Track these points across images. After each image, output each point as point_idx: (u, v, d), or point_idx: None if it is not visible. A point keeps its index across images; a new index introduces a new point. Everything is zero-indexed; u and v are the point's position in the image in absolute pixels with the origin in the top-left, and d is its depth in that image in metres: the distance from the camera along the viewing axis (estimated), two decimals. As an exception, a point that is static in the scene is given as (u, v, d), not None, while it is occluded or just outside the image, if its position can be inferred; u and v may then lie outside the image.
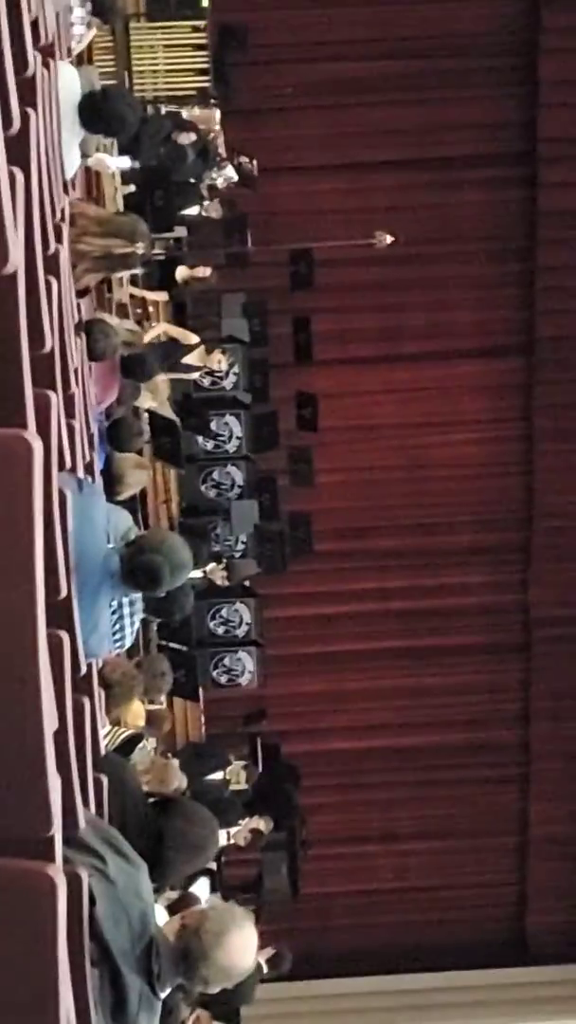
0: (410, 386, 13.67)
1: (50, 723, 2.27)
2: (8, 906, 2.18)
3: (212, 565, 11.01)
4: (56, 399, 3.31)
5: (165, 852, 3.84)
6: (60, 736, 3.03)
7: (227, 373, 11.90)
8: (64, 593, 3.32)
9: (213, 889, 9.29)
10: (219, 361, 11.17)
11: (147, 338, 9.61)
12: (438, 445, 13.72)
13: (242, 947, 3.43)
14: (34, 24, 4.02)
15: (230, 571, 11.16)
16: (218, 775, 10.98)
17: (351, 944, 14.02)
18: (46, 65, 4.45)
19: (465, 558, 13.88)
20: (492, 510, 13.88)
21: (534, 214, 13.44)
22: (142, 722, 7.60)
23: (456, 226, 13.46)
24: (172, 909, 4.69)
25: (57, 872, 2.18)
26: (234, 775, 11.16)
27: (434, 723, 13.98)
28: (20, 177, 2.64)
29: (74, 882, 2.78)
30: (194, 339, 10.73)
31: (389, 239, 12.28)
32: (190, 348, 10.77)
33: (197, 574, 10.61)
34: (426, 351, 13.65)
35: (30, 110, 3.22)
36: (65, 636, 3.25)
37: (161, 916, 3.80)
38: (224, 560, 11.24)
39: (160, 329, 10.19)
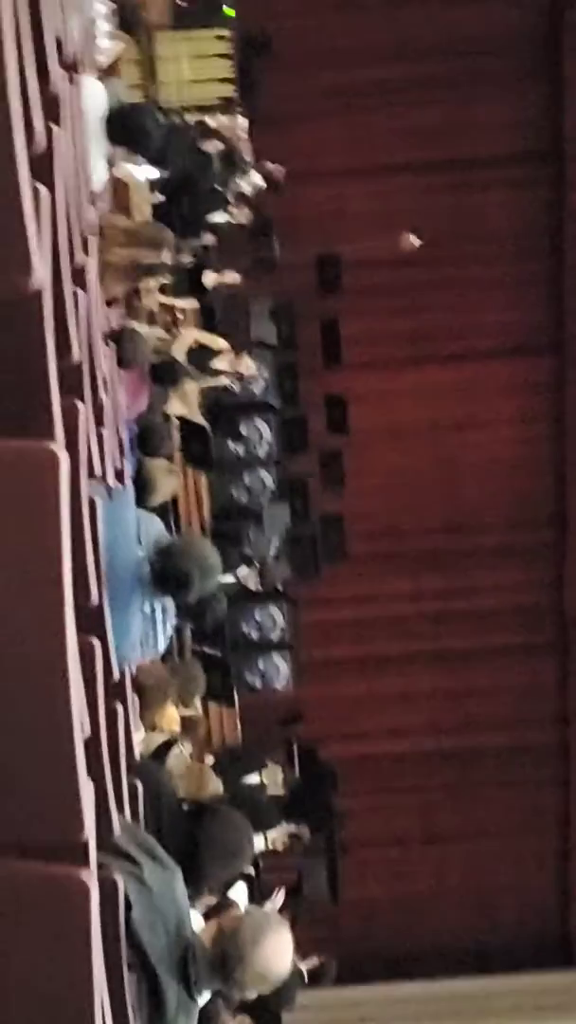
0: (440, 387, 13.66)
1: (82, 729, 2.30)
2: (43, 911, 2.20)
3: (245, 570, 11.04)
4: (84, 408, 3.34)
5: (201, 858, 3.87)
6: (94, 742, 3.07)
7: (256, 377, 11.94)
8: (96, 600, 3.35)
9: (252, 895, 9.29)
10: (248, 366, 11.21)
11: (177, 347, 9.65)
12: (469, 446, 13.71)
13: (278, 951, 3.45)
14: (58, 40, 4.05)
15: (263, 575, 11.18)
16: (255, 778, 10.99)
17: (392, 949, 14.00)
18: (71, 80, 4.48)
19: (499, 558, 13.86)
20: (525, 510, 13.85)
21: (562, 212, 13.42)
22: (177, 727, 7.63)
23: (483, 226, 13.45)
24: (209, 915, 4.71)
25: (91, 877, 2.20)
26: (271, 778, 11.17)
27: (471, 725, 13.95)
28: (45, 194, 2.67)
29: (110, 887, 2.81)
30: (223, 344, 10.78)
31: (416, 241, 12.30)
32: (219, 353, 10.81)
33: (230, 579, 10.65)
34: (455, 352, 13.65)
35: (55, 126, 3.25)
36: (97, 643, 3.28)
37: (197, 921, 3.82)
38: (257, 564, 11.26)
39: (190, 337, 10.23)
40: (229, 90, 12.19)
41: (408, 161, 13.33)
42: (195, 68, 12.02)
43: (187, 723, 8.25)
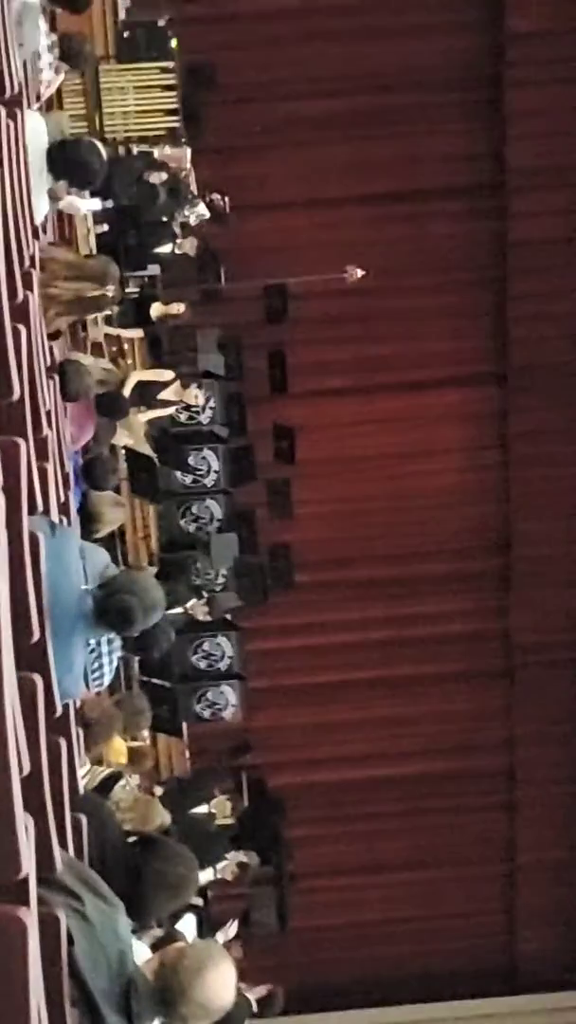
0: (386, 416, 13.75)
1: (19, 765, 2.31)
2: (-19, 949, 2.21)
3: (193, 601, 11.05)
4: (25, 445, 3.37)
5: (144, 891, 3.87)
6: (34, 777, 3.07)
7: (204, 408, 11.98)
8: (37, 636, 3.36)
9: (200, 925, 9.28)
10: (195, 396, 11.26)
11: (125, 389, 9.66)
12: (416, 474, 13.79)
13: (221, 984, 3.45)
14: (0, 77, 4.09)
15: (211, 606, 11.20)
16: (203, 808, 10.99)
17: (341, 977, 13.98)
18: (12, 117, 4.52)
19: (445, 586, 13.93)
20: (471, 538, 13.94)
21: (505, 244, 13.56)
22: (124, 759, 7.63)
23: (429, 257, 13.56)
24: (156, 947, 4.70)
25: (28, 915, 2.22)
26: (219, 808, 11.18)
27: (419, 752, 14.00)
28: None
29: (51, 923, 2.81)
30: (169, 376, 10.82)
31: (360, 273, 12.40)
32: (166, 385, 10.85)
33: (178, 610, 10.65)
34: (402, 381, 13.74)
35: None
36: (39, 679, 3.29)
37: (143, 953, 3.83)
38: (205, 596, 11.27)
39: (135, 377, 10.25)
40: (174, 121, 12.24)
41: (354, 193, 13.42)
42: (140, 99, 12.07)
43: (135, 755, 8.25)
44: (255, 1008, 9.98)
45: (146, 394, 10.59)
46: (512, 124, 13.34)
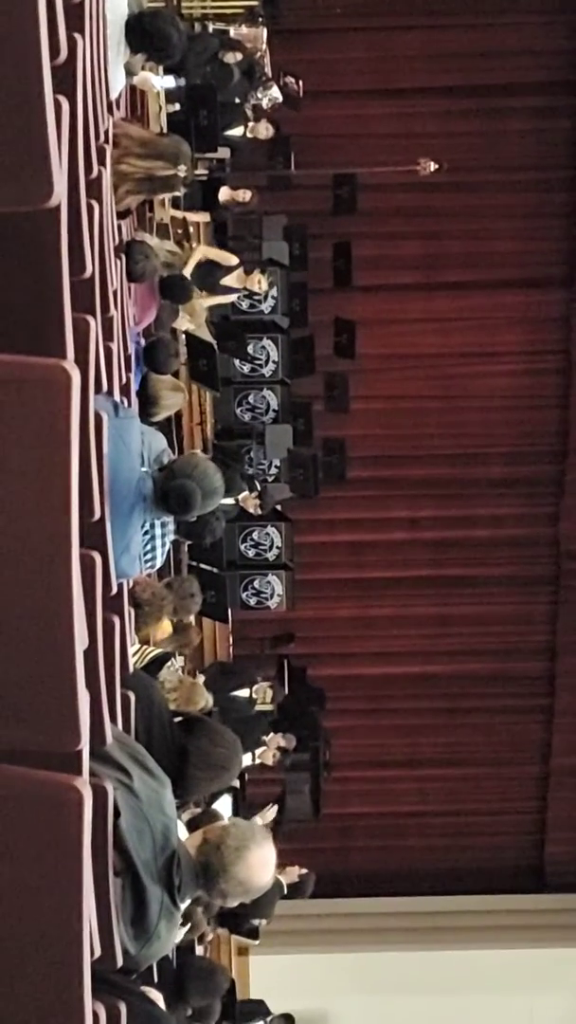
0: (449, 315, 13.61)
1: (81, 640, 2.35)
2: (36, 816, 2.27)
3: (245, 493, 11.07)
4: (95, 324, 3.36)
5: (189, 770, 3.94)
6: (90, 653, 3.13)
7: (266, 296, 11.88)
8: (98, 515, 3.38)
9: (236, 807, 9.45)
10: (259, 283, 11.15)
11: (188, 266, 9.59)
12: (475, 375, 13.69)
13: (261, 863, 3.54)
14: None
15: (263, 499, 11.22)
16: (244, 692, 11.12)
17: (370, 865, 14.24)
18: (94, -14, 4.44)
19: (497, 490, 13.90)
20: (526, 442, 13.86)
21: (581, 144, 13.30)
22: (170, 640, 7.70)
23: (501, 154, 13.32)
24: (193, 824, 4.80)
25: (84, 784, 2.26)
26: (260, 693, 11.30)
27: (460, 652, 14.08)
28: (66, 106, 2.67)
29: (100, 794, 2.87)
30: (234, 261, 10.72)
31: (433, 166, 12.20)
32: (230, 270, 10.76)
33: (230, 501, 10.69)
34: (466, 280, 13.57)
35: (77, 36, 3.23)
36: (98, 557, 3.33)
37: (183, 831, 3.91)
38: (257, 489, 11.29)
39: (200, 253, 10.16)
40: (251, 0, 12.00)
41: (431, 84, 13.17)
42: (219, -23, 11.85)
43: (180, 629, 8.28)
44: (286, 891, 10.23)
45: (209, 279, 10.50)
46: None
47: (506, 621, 14.07)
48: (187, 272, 9.43)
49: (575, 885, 14.27)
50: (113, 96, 5.92)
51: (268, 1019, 11.48)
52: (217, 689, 10.22)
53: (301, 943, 13.17)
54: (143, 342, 7.57)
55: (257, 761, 10.93)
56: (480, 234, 13.43)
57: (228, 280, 10.87)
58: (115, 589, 3.86)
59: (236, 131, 11.38)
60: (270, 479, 12.20)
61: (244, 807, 10.30)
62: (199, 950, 8.34)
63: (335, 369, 12.88)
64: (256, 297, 11.67)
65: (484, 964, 13.44)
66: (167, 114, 10.06)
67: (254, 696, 11.08)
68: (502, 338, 13.67)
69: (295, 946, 13.01)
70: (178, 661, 7.87)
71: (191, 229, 10.95)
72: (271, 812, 9.94)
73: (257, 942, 11.20)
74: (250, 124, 11.48)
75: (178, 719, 4.17)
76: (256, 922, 10.55)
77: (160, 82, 9.47)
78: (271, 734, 11.08)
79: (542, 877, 14.53)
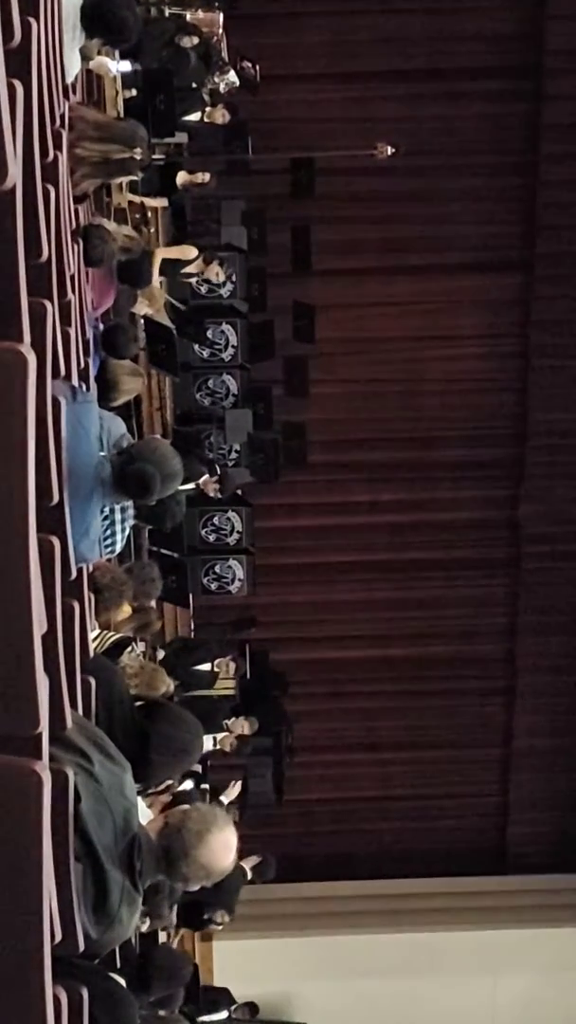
0: (408, 299, 13.63)
1: (39, 625, 2.35)
2: (-4, 800, 2.27)
3: (205, 477, 11.06)
4: (51, 308, 3.35)
5: (151, 754, 3.94)
6: (49, 638, 3.12)
7: (224, 282, 11.86)
8: (56, 499, 3.38)
9: (197, 791, 9.46)
10: (217, 274, 11.15)
11: (152, 271, 9.51)
12: (434, 359, 13.72)
13: (222, 847, 3.54)
14: None
15: (222, 483, 11.21)
16: (206, 666, 11.11)
17: (333, 849, 14.29)
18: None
19: (457, 473, 13.95)
20: (486, 425, 13.91)
21: (538, 128, 13.32)
22: (131, 626, 7.67)
23: (458, 138, 13.34)
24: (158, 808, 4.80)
25: (44, 768, 2.26)
26: (222, 667, 11.29)
27: (421, 635, 14.14)
28: (20, 90, 2.65)
29: (60, 779, 2.87)
30: (193, 253, 10.69)
31: (390, 150, 12.21)
32: (190, 262, 10.74)
33: (190, 486, 10.67)
34: (425, 264, 13.59)
35: (32, 20, 3.22)
36: (56, 541, 3.31)
37: (145, 815, 3.91)
38: (217, 473, 11.28)
39: (159, 256, 10.12)
40: (209, -16, 11.95)
41: (388, 68, 13.16)
42: (175, -40, 11.77)
43: (140, 618, 8.24)
44: (249, 875, 10.26)
45: (169, 269, 10.48)
46: (551, 4, 13.02)
47: (466, 604, 14.14)
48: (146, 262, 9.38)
49: (537, 866, 14.38)
50: (69, 80, 5.88)
51: (232, 1007, 11.53)
52: (179, 663, 10.23)
53: (264, 928, 13.22)
54: (101, 327, 7.54)
55: (217, 747, 10.94)
56: (438, 218, 13.46)
57: (188, 269, 10.86)
58: (74, 574, 3.86)
59: (193, 116, 11.34)
60: (230, 464, 12.19)
61: (206, 793, 10.31)
62: (162, 936, 8.35)
63: (294, 353, 12.87)
64: (215, 283, 11.64)
65: (447, 946, 13.53)
66: (124, 99, 10.01)
67: (216, 670, 11.08)
68: (461, 321, 13.71)
69: (258, 931, 13.06)
70: (139, 646, 7.86)
71: (149, 214, 10.91)
72: (234, 790, 9.97)
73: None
74: (207, 109, 11.44)
75: (139, 703, 4.17)
76: (219, 917, 10.61)
77: (116, 67, 9.43)
78: (233, 718, 11.10)
79: (504, 859, 14.63)
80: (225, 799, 9.37)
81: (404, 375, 13.70)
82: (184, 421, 12.02)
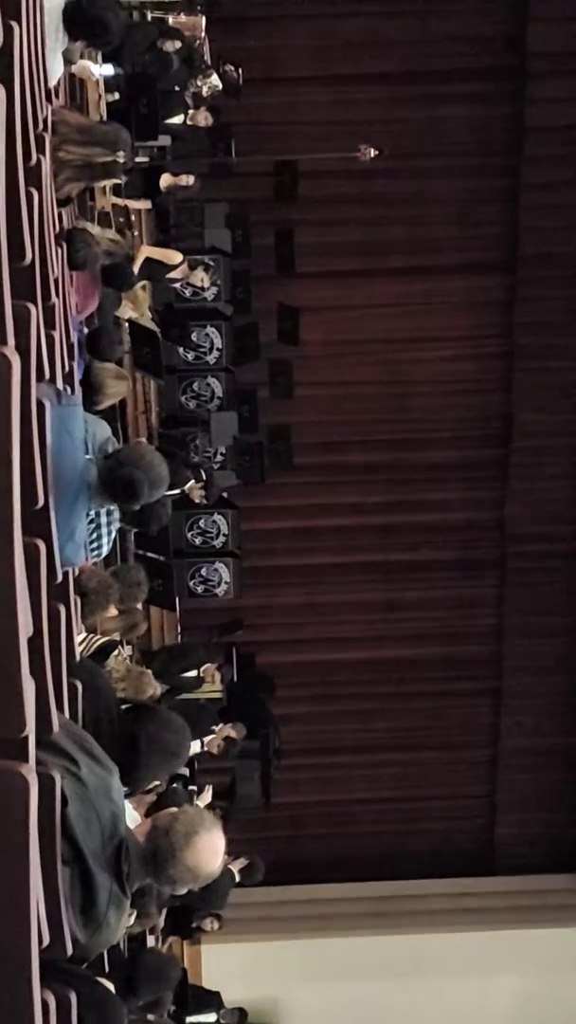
0: (392, 301, 13.64)
1: (25, 629, 2.34)
2: (-18, 804, 2.26)
3: (191, 483, 11.05)
4: (36, 311, 3.35)
5: (138, 757, 3.94)
6: (35, 641, 3.11)
7: (209, 285, 11.86)
8: (42, 502, 3.37)
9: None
10: (202, 280, 11.16)
11: (135, 266, 9.54)
12: (419, 361, 13.73)
13: (210, 849, 3.54)
14: None
15: (208, 487, 11.21)
16: (192, 673, 11.11)
17: (321, 852, 14.28)
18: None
19: (443, 474, 13.96)
20: (471, 427, 13.93)
21: (520, 130, 13.35)
22: (116, 626, 7.66)
23: (441, 141, 13.36)
24: (146, 811, 4.80)
25: (30, 772, 2.26)
26: (208, 675, 11.29)
27: (408, 637, 14.14)
28: (2, 94, 2.65)
29: (47, 782, 2.87)
30: (178, 258, 10.71)
31: (373, 152, 12.23)
32: (174, 267, 10.75)
33: (175, 492, 10.67)
34: (409, 266, 13.61)
35: (14, 23, 3.22)
36: (42, 544, 3.31)
37: (133, 817, 3.91)
38: (203, 479, 11.27)
39: (143, 254, 10.14)
40: (191, -12, 11.96)
41: (370, 71, 13.18)
42: (157, -37, 11.79)
43: (127, 620, 8.23)
44: (238, 878, 10.26)
45: (154, 273, 10.49)
46: (534, 6, 13.06)
47: (453, 605, 14.15)
48: (131, 265, 9.40)
49: (525, 867, 14.39)
50: (51, 84, 5.88)
51: (221, 1012, 11.52)
52: (164, 669, 10.23)
53: (253, 931, 13.20)
54: (86, 330, 7.54)
55: (204, 749, 10.93)
56: (421, 220, 13.48)
57: (172, 275, 10.87)
58: (60, 577, 3.85)
59: (176, 119, 11.34)
60: (216, 467, 12.19)
61: (193, 794, 10.30)
62: (151, 940, 8.35)
63: (279, 356, 12.88)
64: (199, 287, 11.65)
65: (436, 948, 13.53)
66: (107, 103, 10.01)
67: (202, 676, 11.07)
68: (445, 323, 13.72)
69: (247, 934, 13.05)
70: (126, 650, 7.86)
71: (132, 217, 10.92)
72: (207, 794, 9.96)
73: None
74: (190, 112, 11.45)
75: (126, 707, 4.17)
76: (208, 925, 10.59)
77: (99, 70, 9.43)
78: (221, 724, 11.09)
79: (492, 860, 14.64)
80: (200, 803, 9.36)
81: (389, 377, 13.71)
82: (169, 424, 12.01)
